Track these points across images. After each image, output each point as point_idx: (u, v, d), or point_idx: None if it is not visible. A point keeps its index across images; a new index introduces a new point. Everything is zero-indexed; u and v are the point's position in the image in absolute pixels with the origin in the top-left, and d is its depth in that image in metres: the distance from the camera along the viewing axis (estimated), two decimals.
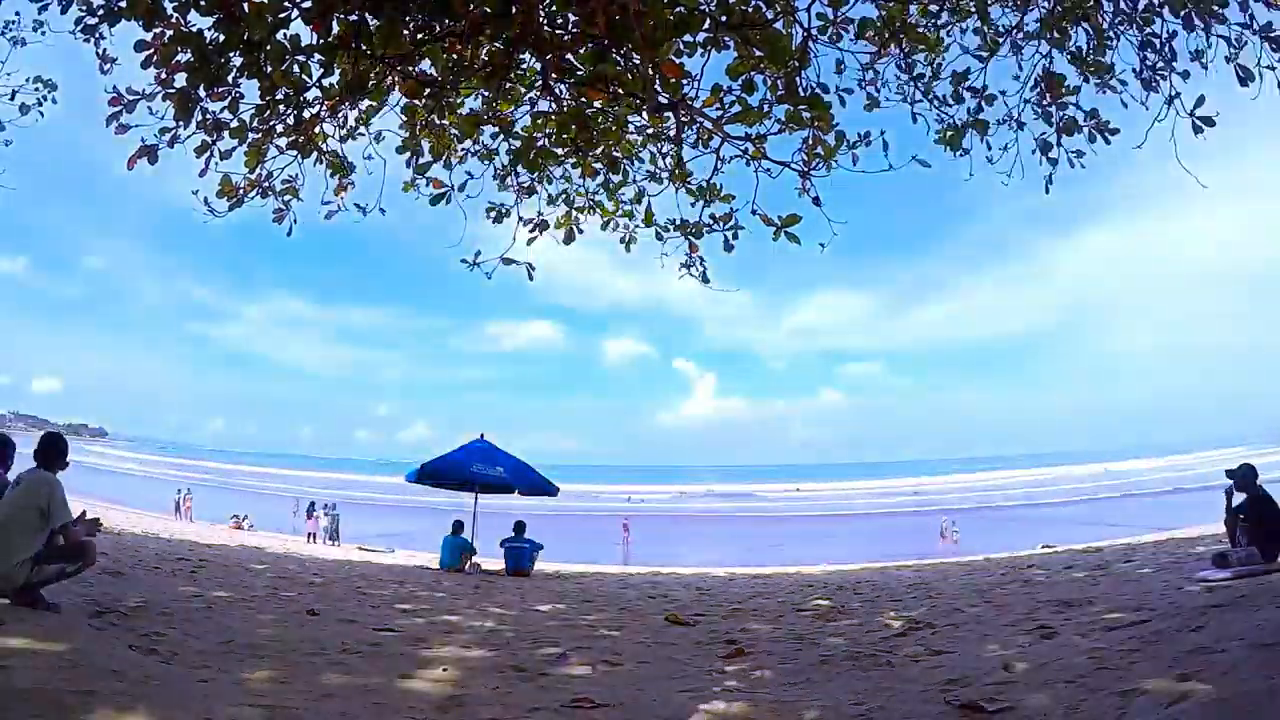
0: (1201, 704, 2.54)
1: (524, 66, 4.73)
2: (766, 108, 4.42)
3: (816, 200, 4.69)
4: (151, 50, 3.88)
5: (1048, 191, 5.58)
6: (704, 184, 5.22)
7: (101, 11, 4.41)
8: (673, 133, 4.99)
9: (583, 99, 4.46)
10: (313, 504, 25.32)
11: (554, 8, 3.83)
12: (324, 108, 4.73)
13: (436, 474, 13.29)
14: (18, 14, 7.15)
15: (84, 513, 4.72)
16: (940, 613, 5.74)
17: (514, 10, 3.57)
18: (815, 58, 4.50)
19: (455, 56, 4.34)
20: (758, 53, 3.76)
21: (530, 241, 5.51)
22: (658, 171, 5.76)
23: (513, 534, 11.77)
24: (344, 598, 7.09)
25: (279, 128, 4.71)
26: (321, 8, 3.50)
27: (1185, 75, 5.01)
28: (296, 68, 3.82)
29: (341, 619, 5.54)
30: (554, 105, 4.77)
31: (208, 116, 4.33)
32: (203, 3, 3.40)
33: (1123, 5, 5.10)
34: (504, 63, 4.17)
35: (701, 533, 34.39)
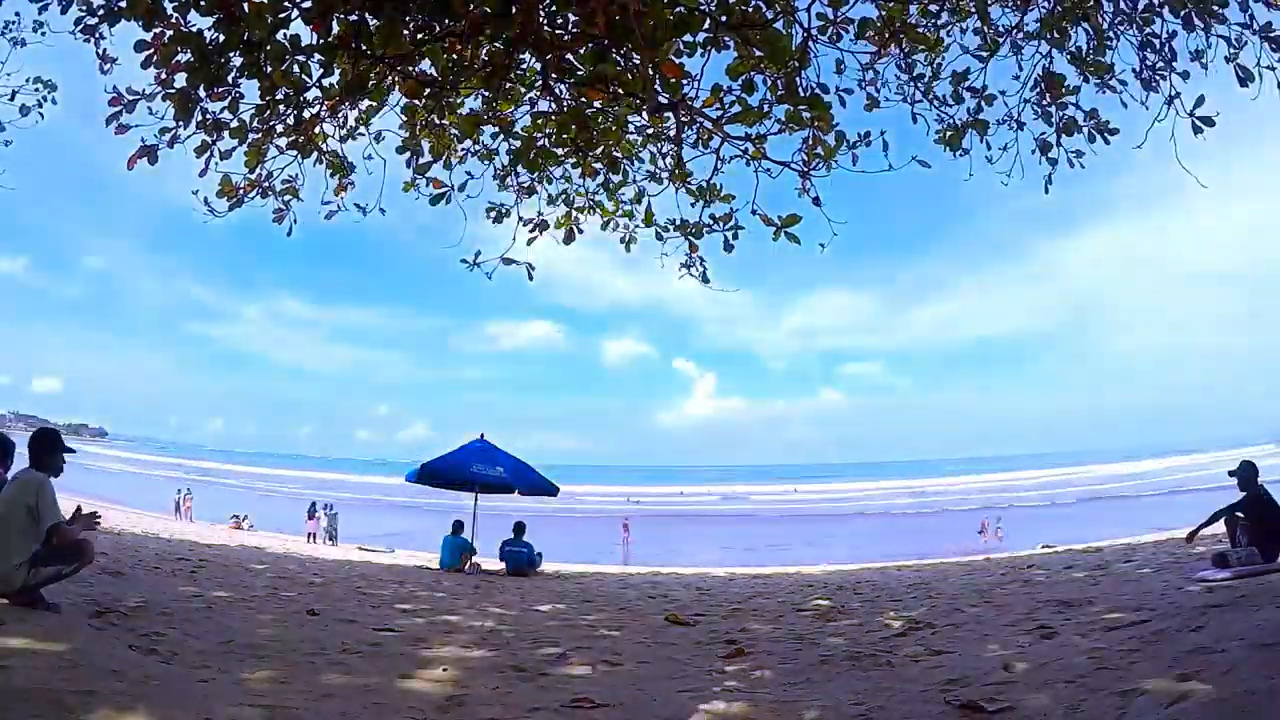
0: (1201, 704, 2.54)
1: (524, 66, 4.73)
2: (766, 108, 4.42)
3: (816, 200, 4.70)
4: (151, 50, 3.88)
5: (1047, 191, 5.58)
6: (704, 184, 5.22)
7: (101, 11, 4.41)
8: (673, 133, 4.99)
9: (583, 99, 4.46)
10: (313, 504, 25.33)
11: (554, 8, 3.83)
12: (324, 108, 4.74)
13: (436, 474, 13.29)
14: (18, 14, 7.16)
15: (79, 508, 4.62)
16: (940, 613, 5.74)
17: (514, 10, 3.57)
18: (815, 58, 4.50)
19: (455, 56, 4.34)
20: (758, 53, 3.76)
21: (530, 241, 5.51)
22: (658, 171, 5.76)
23: (512, 535, 11.77)
24: (344, 598, 7.09)
25: (279, 128, 4.72)
26: (321, 8, 3.50)
27: (1185, 75, 5.01)
28: (296, 68, 3.82)
29: (341, 619, 5.54)
30: (554, 105, 4.77)
31: (208, 116, 4.32)
32: (203, 3, 3.40)
33: (1123, 5, 5.10)
34: (504, 63, 4.17)
35: (701, 533, 34.39)
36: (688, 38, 3.88)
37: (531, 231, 5.55)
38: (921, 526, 33.54)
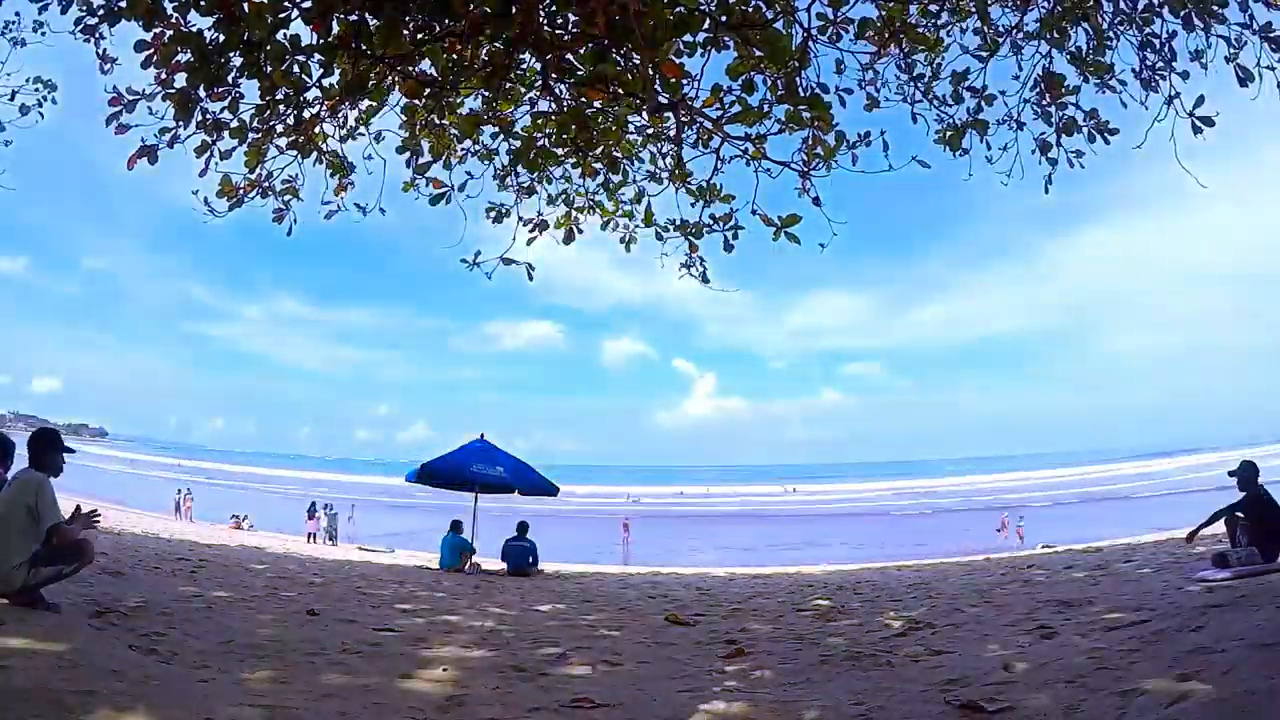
0: (1201, 704, 2.54)
1: (524, 66, 4.73)
2: (766, 108, 4.42)
3: (816, 200, 4.70)
4: (151, 50, 3.88)
5: (1047, 191, 5.58)
6: (704, 184, 5.22)
7: (101, 11, 4.41)
8: (673, 133, 4.99)
9: (583, 99, 4.46)
10: (313, 504, 25.35)
11: (554, 8, 3.83)
12: (324, 108, 4.73)
13: (436, 474, 13.28)
14: (18, 14, 7.16)
15: (78, 507, 4.60)
16: (940, 613, 5.73)
17: (514, 10, 3.57)
18: (815, 58, 4.50)
19: (455, 56, 4.34)
20: (758, 53, 3.76)
21: (530, 241, 5.51)
22: (658, 171, 5.76)
23: (515, 534, 11.77)
24: (344, 598, 7.09)
25: (279, 128, 4.72)
26: (321, 8, 3.50)
27: (1185, 75, 5.01)
28: (296, 68, 3.82)
29: (341, 619, 5.53)
30: (554, 105, 4.77)
31: (208, 116, 4.32)
32: (203, 3, 3.40)
33: (1123, 5, 5.10)
34: (504, 63, 4.17)
35: (701, 533, 34.39)
36: (688, 38, 3.88)
37: (531, 231, 5.55)
38: (922, 527, 33.55)
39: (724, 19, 3.67)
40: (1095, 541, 12.45)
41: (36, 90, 7.43)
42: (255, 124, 4.51)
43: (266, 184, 5.16)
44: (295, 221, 5.39)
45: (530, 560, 11.55)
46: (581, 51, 3.75)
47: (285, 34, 3.63)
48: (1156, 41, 5.09)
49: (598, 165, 5.43)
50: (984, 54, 5.37)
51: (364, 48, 3.61)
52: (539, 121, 5.07)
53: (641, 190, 5.84)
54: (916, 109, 5.54)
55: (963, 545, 20.26)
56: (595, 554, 21.39)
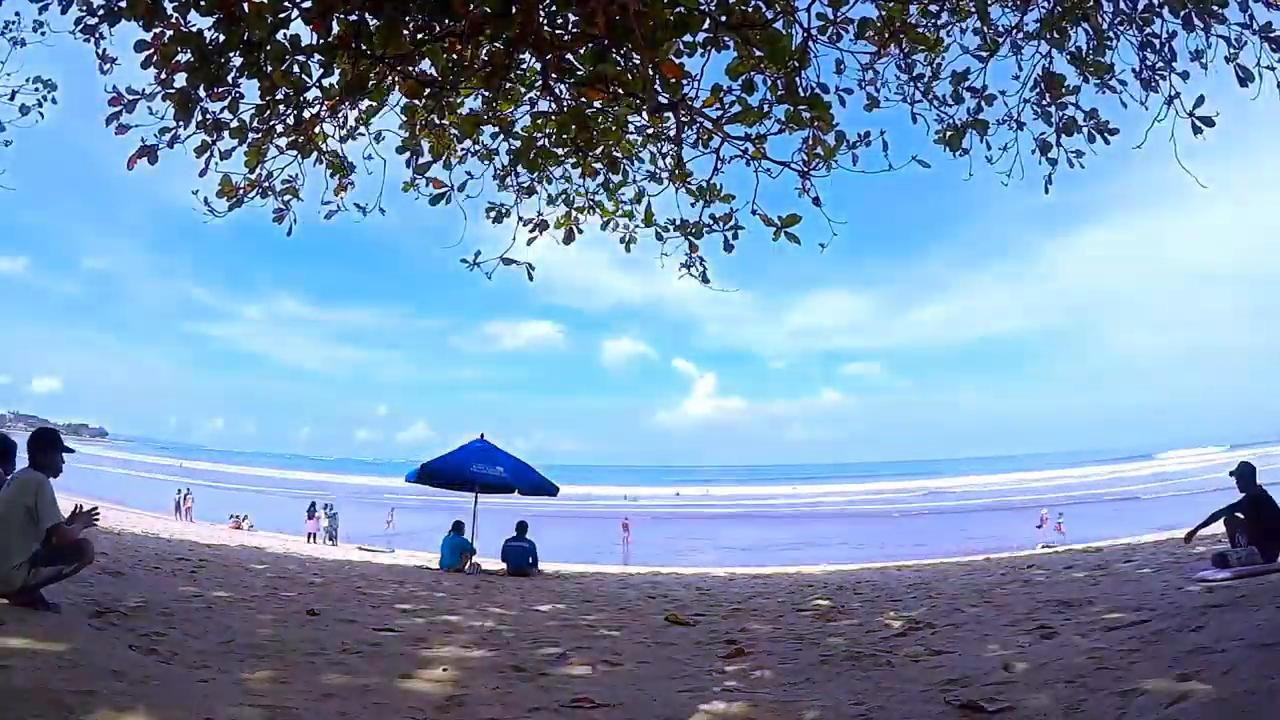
0: (1201, 704, 2.54)
1: (524, 66, 4.73)
2: (766, 108, 4.42)
3: (816, 200, 4.70)
4: (151, 50, 3.88)
5: (1047, 191, 5.58)
6: (704, 184, 5.22)
7: (101, 11, 4.41)
8: (673, 133, 4.99)
9: (583, 99, 4.46)
10: (313, 504, 25.35)
11: (554, 8, 3.83)
12: (324, 108, 4.73)
13: (436, 474, 13.28)
14: (18, 14, 7.17)
15: (78, 506, 4.59)
16: (940, 613, 5.73)
17: (514, 10, 3.57)
18: (815, 58, 4.50)
19: (455, 56, 4.34)
20: (758, 53, 3.76)
21: (530, 241, 5.51)
22: (658, 171, 5.76)
23: (515, 534, 11.78)
24: (344, 598, 7.09)
25: (279, 128, 4.71)
26: (321, 8, 3.50)
27: (1185, 75, 5.01)
28: (296, 68, 3.82)
29: (341, 619, 5.54)
30: (554, 105, 4.77)
31: (208, 116, 4.32)
32: (203, 3, 3.40)
33: (1123, 5, 5.10)
34: (504, 63, 4.17)
35: (701, 533, 34.38)
36: (688, 38, 3.88)
37: (531, 231, 5.55)
38: (924, 527, 33.51)
39: (724, 19, 3.67)
40: (1095, 541, 12.45)
41: (36, 90, 7.44)
42: (255, 124, 4.50)
43: (266, 184, 5.16)
44: (295, 221, 5.39)
45: (530, 560, 11.55)
46: (581, 51, 3.75)
47: (285, 34, 3.63)
48: (1156, 41, 5.09)
49: (598, 165, 5.43)
50: (984, 54, 5.37)
51: (364, 48, 3.61)
52: (539, 121, 5.07)
53: (641, 190, 5.84)
54: (916, 109, 5.54)
55: (964, 545, 20.24)
56: (595, 554, 21.40)
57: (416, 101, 4.73)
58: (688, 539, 30.93)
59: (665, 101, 3.97)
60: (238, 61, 3.74)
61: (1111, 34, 5.18)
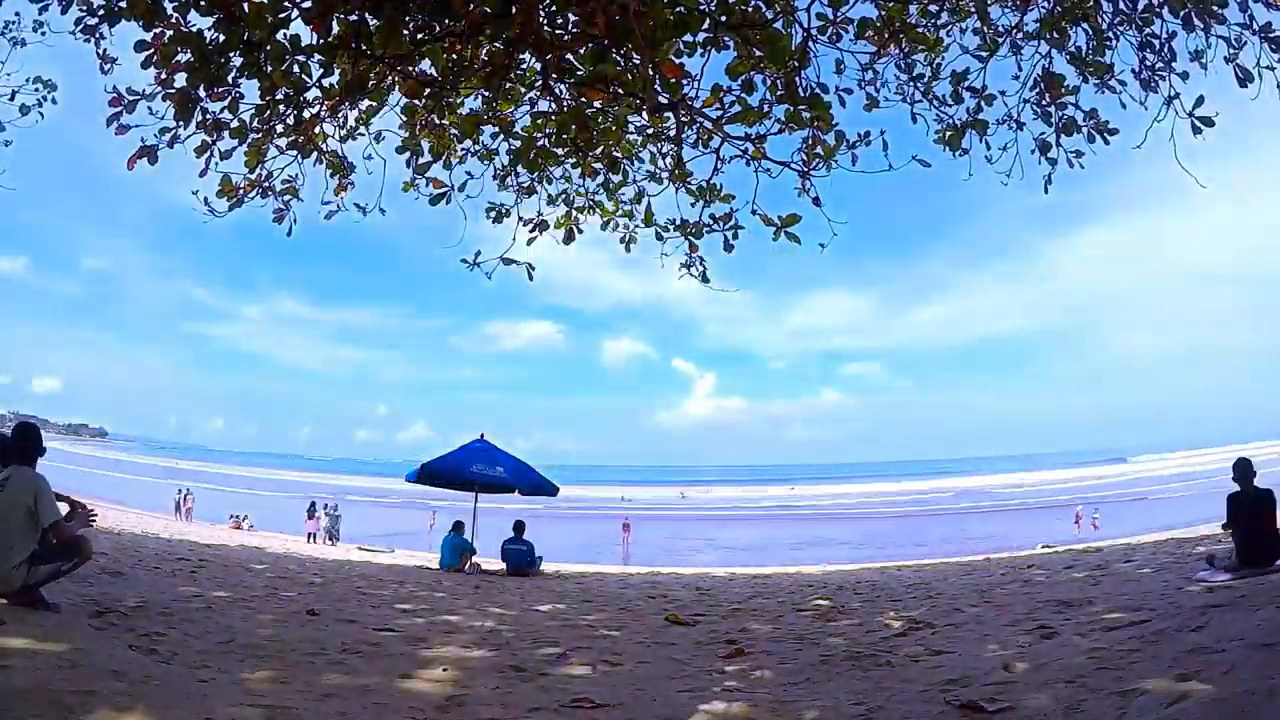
0: (1201, 704, 2.54)
1: (524, 66, 4.74)
2: (766, 108, 4.42)
3: (816, 200, 4.70)
4: (151, 50, 3.88)
5: (1047, 191, 5.58)
6: (704, 184, 5.22)
7: (101, 11, 4.41)
8: (673, 133, 4.99)
9: (583, 99, 4.46)
10: (313, 504, 25.35)
11: (554, 8, 3.83)
12: (324, 108, 4.73)
13: (436, 474, 13.27)
14: (18, 14, 7.17)
15: (77, 504, 4.56)
16: (940, 613, 5.73)
17: (514, 10, 3.57)
18: (815, 58, 4.50)
19: (455, 56, 4.34)
20: (758, 53, 3.76)
21: (530, 241, 5.51)
22: (658, 171, 5.76)
23: (512, 534, 11.77)
24: (344, 598, 7.09)
25: (279, 128, 4.71)
26: (321, 8, 3.50)
27: (1185, 76, 5.01)
28: (296, 68, 3.82)
29: (341, 619, 5.53)
30: (554, 105, 4.77)
31: (208, 116, 4.32)
32: (203, 3, 3.40)
33: (1123, 5, 5.10)
34: (504, 63, 4.17)
35: (701, 533, 34.40)
36: (688, 38, 3.88)
37: (531, 231, 5.55)
38: (924, 526, 33.51)
39: (724, 19, 3.67)
40: (1095, 541, 12.44)
41: (36, 90, 7.43)
42: (255, 124, 4.51)
43: (266, 184, 5.16)
44: (295, 221, 5.39)
45: (529, 560, 11.54)
46: (581, 51, 3.75)
47: (285, 34, 3.63)
48: (1156, 42, 5.09)
49: (598, 165, 5.43)
50: (984, 54, 5.37)
51: (364, 48, 3.61)
52: (539, 121, 5.07)
53: (641, 190, 5.84)
54: (916, 109, 5.54)
55: (964, 546, 20.25)
56: (595, 554, 21.40)
57: (416, 101, 4.73)
58: (688, 539, 30.94)
59: (665, 101, 3.97)
60: (238, 61, 3.74)
61: (1111, 34, 5.18)
